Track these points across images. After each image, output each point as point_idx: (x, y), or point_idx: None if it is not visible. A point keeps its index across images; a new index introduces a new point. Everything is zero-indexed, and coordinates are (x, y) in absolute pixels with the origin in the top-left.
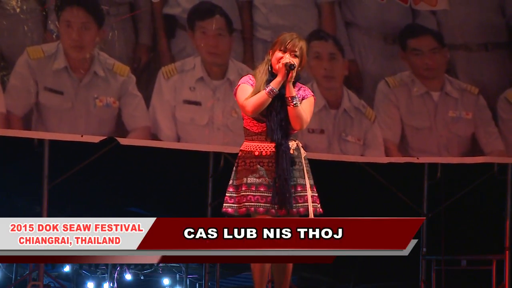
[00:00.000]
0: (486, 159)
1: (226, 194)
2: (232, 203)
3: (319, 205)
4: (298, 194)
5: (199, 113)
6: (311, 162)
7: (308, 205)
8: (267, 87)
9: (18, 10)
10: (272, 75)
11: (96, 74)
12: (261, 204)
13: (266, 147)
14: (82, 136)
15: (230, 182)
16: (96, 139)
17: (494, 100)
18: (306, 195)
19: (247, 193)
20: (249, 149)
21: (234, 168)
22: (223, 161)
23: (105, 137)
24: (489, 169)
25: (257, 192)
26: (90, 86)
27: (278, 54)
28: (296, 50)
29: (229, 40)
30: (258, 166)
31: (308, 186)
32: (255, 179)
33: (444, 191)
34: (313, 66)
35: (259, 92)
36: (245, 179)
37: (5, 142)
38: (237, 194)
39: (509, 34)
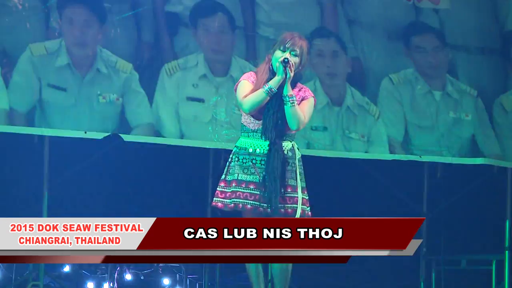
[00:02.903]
0: (485, 161)
1: (217, 189)
2: (223, 198)
3: (308, 208)
4: (288, 194)
5: (202, 110)
6: (314, 160)
7: (297, 207)
8: (265, 85)
9: (20, 7)
10: (273, 74)
11: (99, 71)
12: (249, 201)
13: (261, 145)
14: (85, 132)
15: (223, 177)
16: (99, 135)
17: (490, 104)
18: (296, 196)
19: (237, 190)
20: (244, 146)
21: (227, 163)
22: (223, 160)
23: (108, 134)
24: (489, 169)
25: (246, 189)
26: (93, 83)
27: (278, 53)
28: (296, 49)
29: (232, 37)
30: (251, 163)
31: (299, 188)
32: (246, 176)
33: (444, 191)
34: (315, 63)
35: (258, 90)
36: (236, 175)
37: (8, 140)
38: (228, 189)
39: (502, 41)
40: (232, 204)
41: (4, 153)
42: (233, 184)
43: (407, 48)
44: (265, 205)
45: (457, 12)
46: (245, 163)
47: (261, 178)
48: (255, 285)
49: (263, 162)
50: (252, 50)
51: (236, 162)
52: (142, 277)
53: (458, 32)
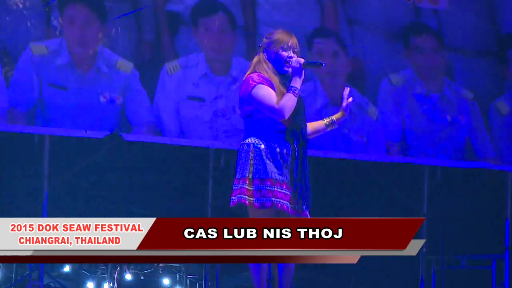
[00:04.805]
0: (480, 164)
1: (243, 186)
2: (249, 196)
3: None
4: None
5: (203, 109)
6: (313, 160)
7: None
8: (292, 88)
9: (21, 6)
10: (281, 75)
11: (100, 70)
12: (285, 201)
13: (286, 145)
14: (86, 131)
15: (246, 174)
16: (100, 134)
17: (486, 107)
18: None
19: (274, 189)
20: (269, 145)
21: (248, 161)
22: (224, 160)
23: (109, 133)
24: (489, 169)
25: (281, 189)
26: (94, 82)
27: (283, 53)
28: (296, 47)
29: (232, 37)
30: (282, 163)
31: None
32: (278, 176)
33: (444, 191)
34: None
35: (281, 94)
36: (270, 173)
37: (8, 139)
38: (254, 187)
39: (498, 44)
40: (269, 203)
41: (4, 153)
42: (268, 183)
43: (406, 48)
44: (294, 205)
45: (455, 14)
46: (272, 162)
47: (291, 178)
48: (257, 285)
49: (288, 162)
50: (253, 50)
51: (262, 161)
52: (142, 277)
53: (456, 34)
